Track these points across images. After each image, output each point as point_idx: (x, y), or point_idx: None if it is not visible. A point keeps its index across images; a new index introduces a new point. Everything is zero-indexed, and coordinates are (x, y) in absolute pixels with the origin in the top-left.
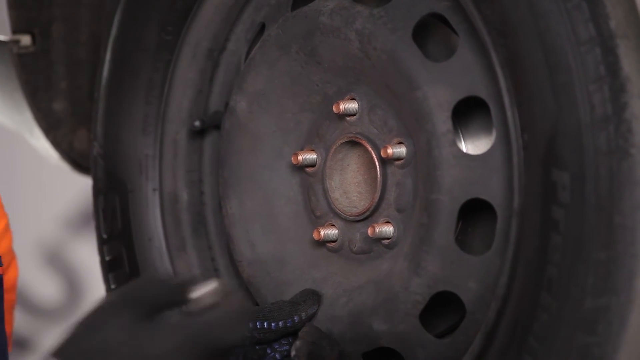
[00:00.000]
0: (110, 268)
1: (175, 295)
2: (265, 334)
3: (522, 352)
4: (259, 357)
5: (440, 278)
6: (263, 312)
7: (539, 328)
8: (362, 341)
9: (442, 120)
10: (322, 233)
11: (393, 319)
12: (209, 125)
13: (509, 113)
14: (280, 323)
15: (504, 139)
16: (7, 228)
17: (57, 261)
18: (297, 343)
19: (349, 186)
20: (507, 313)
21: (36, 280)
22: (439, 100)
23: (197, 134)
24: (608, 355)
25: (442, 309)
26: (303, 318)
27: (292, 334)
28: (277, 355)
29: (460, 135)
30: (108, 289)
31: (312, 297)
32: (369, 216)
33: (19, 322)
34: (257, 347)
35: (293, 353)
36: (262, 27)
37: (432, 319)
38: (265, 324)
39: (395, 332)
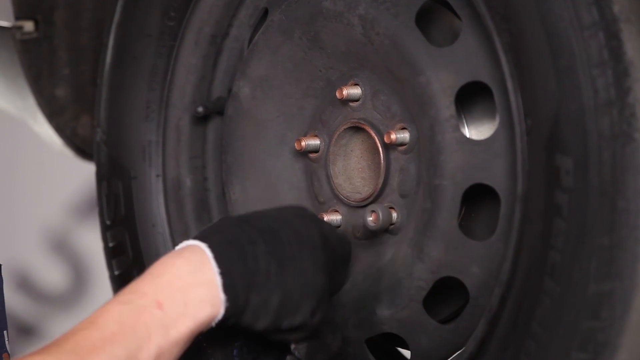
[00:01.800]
0: (113, 254)
1: None
2: None
3: (525, 337)
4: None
5: (444, 263)
6: None
7: (543, 313)
8: (365, 327)
9: (446, 106)
10: (325, 219)
11: (396, 305)
12: (212, 111)
13: (512, 98)
14: None
15: (507, 124)
16: None
17: (62, 248)
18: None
19: (352, 172)
20: (510, 298)
21: (41, 267)
22: (442, 85)
23: (200, 120)
24: (612, 340)
25: (445, 294)
26: None
27: None
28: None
29: (464, 121)
30: (111, 275)
31: None
32: (372, 202)
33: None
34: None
35: (292, 346)
36: (265, 13)
37: (435, 305)
38: None
39: (398, 318)
